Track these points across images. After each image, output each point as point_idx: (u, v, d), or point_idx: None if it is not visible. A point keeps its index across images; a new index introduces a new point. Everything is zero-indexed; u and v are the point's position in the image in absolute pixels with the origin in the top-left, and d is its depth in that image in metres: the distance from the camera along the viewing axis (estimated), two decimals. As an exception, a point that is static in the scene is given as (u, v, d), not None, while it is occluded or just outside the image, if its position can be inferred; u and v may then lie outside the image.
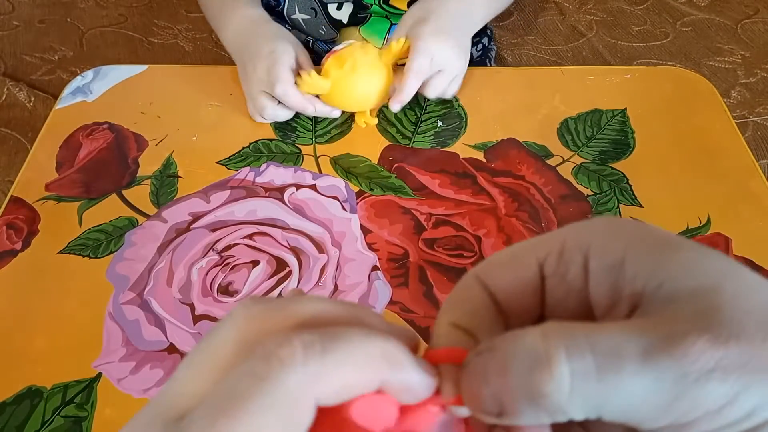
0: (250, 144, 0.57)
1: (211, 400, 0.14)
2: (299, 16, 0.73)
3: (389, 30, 0.73)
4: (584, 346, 0.14)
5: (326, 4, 0.71)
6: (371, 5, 0.70)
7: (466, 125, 0.58)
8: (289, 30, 0.77)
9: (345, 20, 0.72)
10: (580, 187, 0.53)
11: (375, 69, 0.54)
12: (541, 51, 1.35)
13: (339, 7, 0.71)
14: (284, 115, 0.58)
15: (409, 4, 0.71)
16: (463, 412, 0.17)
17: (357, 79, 0.54)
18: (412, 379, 0.16)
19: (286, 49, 0.56)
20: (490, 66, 0.85)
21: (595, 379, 0.14)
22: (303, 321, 0.16)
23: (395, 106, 0.56)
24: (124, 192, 0.53)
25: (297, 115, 0.60)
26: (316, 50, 0.78)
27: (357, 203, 0.52)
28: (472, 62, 0.79)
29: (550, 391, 0.14)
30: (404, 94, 0.55)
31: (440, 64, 0.56)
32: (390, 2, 0.71)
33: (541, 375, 0.14)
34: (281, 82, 0.54)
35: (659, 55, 1.34)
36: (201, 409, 0.14)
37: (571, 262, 0.17)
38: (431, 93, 0.58)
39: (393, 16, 0.72)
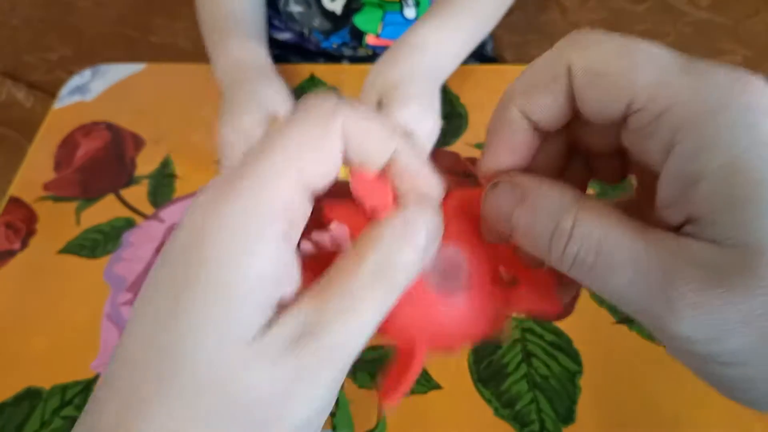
0: (250, 143, 0.57)
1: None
2: (293, 8, 0.74)
3: (382, 18, 0.73)
4: None
5: None
6: None
7: (467, 124, 0.58)
8: (285, 21, 0.78)
9: (338, 11, 0.72)
10: (581, 187, 0.53)
11: None
12: (543, 50, 1.34)
13: None
14: None
15: None
16: None
17: None
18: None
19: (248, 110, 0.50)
20: (488, 56, 0.85)
21: None
22: None
23: None
24: (122, 192, 0.53)
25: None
26: (312, 40, 0.78)
27: (357, 203, 0.52)
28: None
29: None
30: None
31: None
32: None
33: None
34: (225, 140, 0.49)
35: (660, 54, 1.34)
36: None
37: None
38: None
39: (386, 4, 0.72)
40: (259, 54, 0.57)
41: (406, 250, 0.16)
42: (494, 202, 0.18)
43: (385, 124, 0.17)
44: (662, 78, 0.15)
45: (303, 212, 0.16)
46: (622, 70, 0.15)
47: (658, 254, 0.14)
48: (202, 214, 0.15)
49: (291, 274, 0.16)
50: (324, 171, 0.17)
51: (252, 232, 0.15)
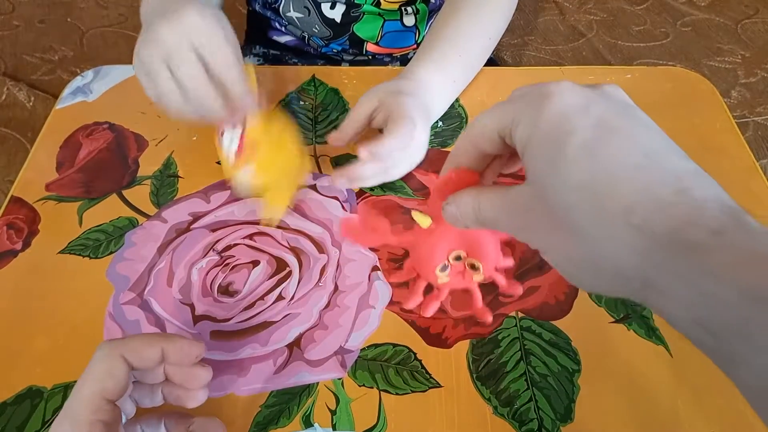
0: (251, 144, 0.57)
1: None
2: (293, 14, 0.74)
3: (382, 27, 0.74)
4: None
5: (319, 3, 0.71)
6: (363, 4, 0.70)
7: (466, 125, 0.58)
8: (285, 26, 0.78)
9: (338, 19, 0.72)
10: (580, 187, 0.53)
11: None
12: (541, 51, 1.35)
13: (332, 6, 0.71)
14: (187, 109, 0.43)
15: (400, 6, 0.71)
16: None
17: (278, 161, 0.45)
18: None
19: (217, 18, 0.43)
20: (489, 59, 0.85)
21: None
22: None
23: (363, 153, 0.47)
24: (125, 192, 0.53)
25: (296, 114, 0.60)
26: (312, 45, 0.78)
27: (357, 203, 0.52)
28: None
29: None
30: (382, 146, 0.47)
31: (414, 146, 0.51)
32: (381, 5, 0.71)
33: None
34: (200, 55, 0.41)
35: (659, 55, 1.34)
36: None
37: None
38: (387, 177, 0.51)
39: (386, 13, 0.72)
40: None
41: None
42: (449, 209, 0.31)
43: (148, 339, 0.33)
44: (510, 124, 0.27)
45: (109, 412, 0.31)
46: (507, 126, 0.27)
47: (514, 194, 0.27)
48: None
49: None
50: (121, 385, 0.31)
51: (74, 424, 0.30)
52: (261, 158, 0.45)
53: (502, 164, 0.32)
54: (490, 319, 0.43)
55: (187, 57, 0.41)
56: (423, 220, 0.33)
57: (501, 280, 0.41)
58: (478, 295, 0.41)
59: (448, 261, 0.36)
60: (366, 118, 0.52)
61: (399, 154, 0.50)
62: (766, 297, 0.19)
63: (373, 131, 0.53)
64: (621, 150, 0.23)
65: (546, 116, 0.24)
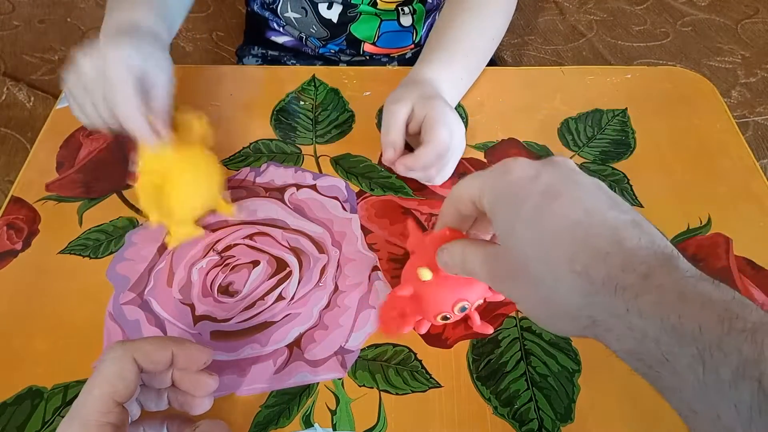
0: (251, 144, 0.57)
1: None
2: (291, 14, 0.74)
3: (378, 27, 0.74)
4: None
5: (317, 3, 0.71)
6: (359, 4, 0.70)
7: (466, 125, 0.58)
8: (283, 26, 0.78)
9: (335, 19, 0.72)
10: (580, 187, 0.53)
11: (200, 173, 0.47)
12: (542, 51, 1.35)
13: (329, 7, 0.71)
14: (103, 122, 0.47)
15: (397, 6, 0.71)
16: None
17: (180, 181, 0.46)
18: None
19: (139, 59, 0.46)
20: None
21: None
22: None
23: (400, 168, 0.50)
24: (125, 192, 0.53)
25: (296, 114, 0.60)
26: (309, 45, 0.78)
27: (357, 203, 0.52)
28: None
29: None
30: (416, 160, 0.49)
31: (456, 144, 0.51)
32: (378, 5, 0.71)
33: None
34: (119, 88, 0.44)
35: (659, 55, 1.34)
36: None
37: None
38: (440, 179, 0.52)
39: (382, 13, 0.72)
40: (157, 23, 0.52)
41: None
42: (443, 256, 0.35)
43: (159, 342, 0.34)
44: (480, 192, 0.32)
45: (119, 414, 0.31)
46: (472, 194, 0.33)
47: (489, 250, 0.32)
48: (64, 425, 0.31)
49: None
50: (131, 387, 0.32)
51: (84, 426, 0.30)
52: (140, 187, 0.47)
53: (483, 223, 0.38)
54: (490, 331, 0.43)
55: (99, 97, 0.45)
56: (425, 274, 0.37)
57: (476, 320, 0.42)
58: (476, 317, 0.42)
59: (453, 312, 0.38)
60: (404, 125, 0.51)
61: (445, 157, 0.50)
62: (686, 333, 0.23)
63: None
64: (563, 210, 0.28)
65: (504, 187, 0.30)
